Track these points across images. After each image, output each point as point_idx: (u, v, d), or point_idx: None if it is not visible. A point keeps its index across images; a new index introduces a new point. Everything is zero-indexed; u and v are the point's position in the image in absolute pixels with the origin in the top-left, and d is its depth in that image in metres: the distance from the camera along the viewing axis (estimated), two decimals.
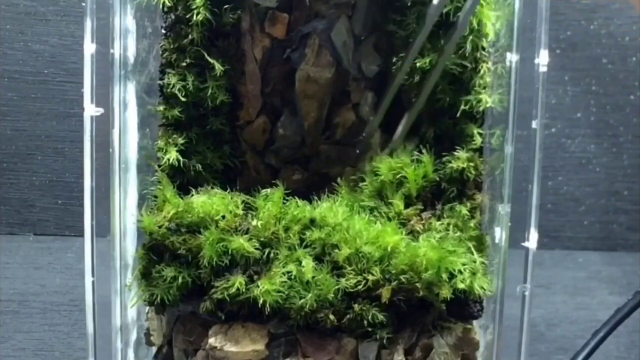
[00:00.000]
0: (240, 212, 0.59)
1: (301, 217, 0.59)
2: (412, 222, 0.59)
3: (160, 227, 0.58)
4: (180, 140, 0.61)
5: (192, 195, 0.60)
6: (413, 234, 0.59)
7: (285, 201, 0.60)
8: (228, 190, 0.61)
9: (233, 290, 0.57)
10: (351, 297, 0.57)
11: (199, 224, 0.58)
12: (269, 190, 0.60)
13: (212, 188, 0.61)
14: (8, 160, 1.02)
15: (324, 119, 0.65)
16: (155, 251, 0.59)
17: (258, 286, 0.57)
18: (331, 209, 0.59)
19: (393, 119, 0.62)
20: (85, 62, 0.56)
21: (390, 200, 0.60)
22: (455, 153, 0.60)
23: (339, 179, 0.63)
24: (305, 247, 0.58)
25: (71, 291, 0.92)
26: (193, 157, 0.62)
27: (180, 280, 0.58)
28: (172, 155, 0.61)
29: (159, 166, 0.62)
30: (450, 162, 0.60)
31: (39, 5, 1.00)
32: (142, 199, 0.62)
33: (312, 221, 0.59)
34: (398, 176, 0.60)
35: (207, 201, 0.59)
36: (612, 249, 1.05)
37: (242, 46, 0.63)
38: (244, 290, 0.57)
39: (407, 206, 0.60)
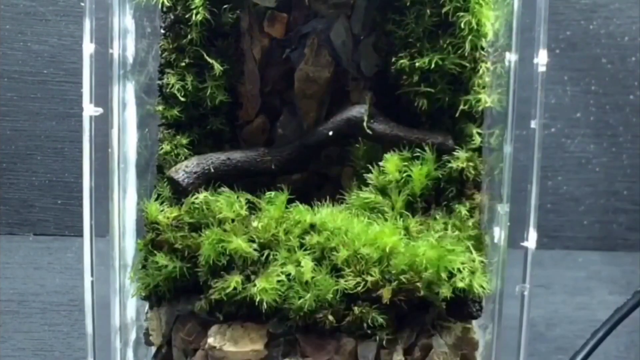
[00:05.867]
0: (244, 212, 0.59)
1: (301, 221, 0.59)
2: (411, 224, 0.59)
3: (161, 222, 0.59)
4: (184, 141, 0.61)
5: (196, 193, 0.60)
6: (411, 235, 0.59)
7: (289, 205, 0.60)
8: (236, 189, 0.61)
9: (230, 289, 0.57)
10: (350, 298, 0.57)
11: (200, 221, 0.59)
12: (273, 193, 0.61)
13: (219, 187, 0.61)
14: (8, 160, 1.02)
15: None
16: (154, 244, 0.59)
17: (255, 285, 0.57)
18: (331, 214, 0.59)
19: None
20: (85, 62, 0.56)
21: (394, 199, 0.60)
22: (455, 153, 0.60)
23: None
24: (305, 250, 0.58)
25: (71, 291, 0.92)
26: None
27: (170, 267, 0.58)
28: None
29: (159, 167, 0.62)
30: (449, 162, 0.60)
31: (38, 5, 1.00)
32: (141, 199, 0.62)
33: (312, 226, 0.59)
34: (404, 175, 0.60)
35: (211, 199, 0.59)
36: (611, 249, 1.05)
37: (241, 46, 0.63)
38: (240, 289, 0.57)
39: (410, 205, 0.60)
